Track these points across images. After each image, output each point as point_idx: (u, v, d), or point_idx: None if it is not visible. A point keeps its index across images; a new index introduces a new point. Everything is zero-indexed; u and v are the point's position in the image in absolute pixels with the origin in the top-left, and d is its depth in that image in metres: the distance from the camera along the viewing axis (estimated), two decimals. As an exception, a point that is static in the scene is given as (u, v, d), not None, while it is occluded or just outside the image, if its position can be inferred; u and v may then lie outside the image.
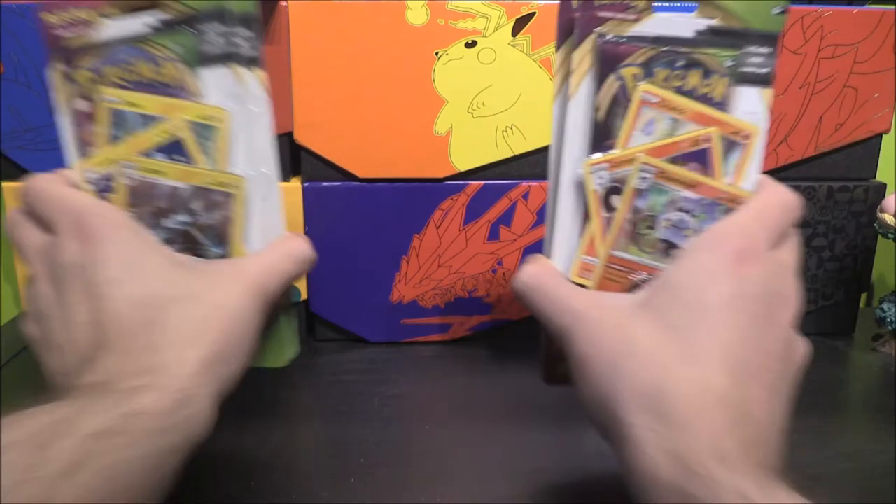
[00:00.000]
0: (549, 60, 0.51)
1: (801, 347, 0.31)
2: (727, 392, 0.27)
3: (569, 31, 0.35)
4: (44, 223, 0.33)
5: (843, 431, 0.44)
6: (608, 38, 0.34)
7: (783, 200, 0.32)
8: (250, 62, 0.36)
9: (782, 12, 0.34)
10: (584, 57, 0.34)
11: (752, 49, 0.35)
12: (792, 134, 0.54)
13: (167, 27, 0.36)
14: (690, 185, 0.34)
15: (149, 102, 0.36)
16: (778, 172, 0.55)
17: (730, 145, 0.35)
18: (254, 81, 0.36)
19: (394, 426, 0.45)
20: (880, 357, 0.55)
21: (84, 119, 0.37)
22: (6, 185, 0.52)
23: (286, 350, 0.38)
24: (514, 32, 0.50)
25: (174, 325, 0.30)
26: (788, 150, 0.54)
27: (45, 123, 0.50)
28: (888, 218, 0.51)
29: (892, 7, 0.52)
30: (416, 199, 0.53)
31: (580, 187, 0.35)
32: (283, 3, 0.49)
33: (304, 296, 0.54)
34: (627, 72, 0.34)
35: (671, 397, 0.27)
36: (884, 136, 0.55)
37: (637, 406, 0.27)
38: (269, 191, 0.36)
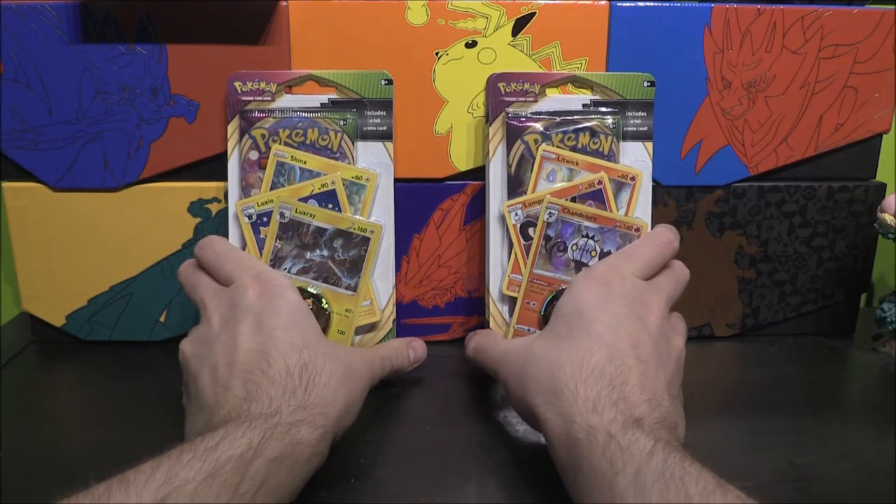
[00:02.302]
0: (550, 60, 0.51)
1: (678, 342, 0.40)
2: (603, 366, 0.36)
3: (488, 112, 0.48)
4: (217, 275, 0.42)
5: (843, 431, 0.44)
6: (513, 114, 0.47)
7: (654, 243, 0.43)
8: (387, 136, 0.48)
9: (651, 84, 0.48)
10: (497, 129, 0.48)
11: (632, 114, 0.48)
12: (792, 134, 0.54)
13: (337, 106, 0.47)
14: (591, 218, 0.45)
15: (312, 160, 0.46)
16: (778, 172, 0.55)
17: (619, 186, 0.47)
18: (389, 151, 0.48)
19: (394, 426, 0.45)
20: (880, 357, 0.55)
21: (251, 166, 0.47)
22: (6, 185, 0.52)
23: None
24: (514, 32, 0.50)
25: (321, 373, 0.37)
26: (788, 150, 0.54)
27: (45, 123, 0.50)
28: (888, 218, 0.51)
29: (892, 7, 0.52)
30: (416, 199, 0.53)
31: (503, 222, 0.47)
32: (283, 3, 0.49)
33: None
34: (530, 137, 0.47)
35: (559, 378, 0.36)
36: (884, 136, 0.55)
37: (539, 391, 0.37)
38: (390, 236, 0.47)
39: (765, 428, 0.44)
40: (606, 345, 0.37)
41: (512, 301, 0.47)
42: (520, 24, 0.50)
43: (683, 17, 0.51)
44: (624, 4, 0.50)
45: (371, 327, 0.48)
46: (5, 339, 0.56)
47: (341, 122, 0.47)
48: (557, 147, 0.47)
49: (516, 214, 0.46)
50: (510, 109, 0.47)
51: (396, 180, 0.51)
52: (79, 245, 0.53)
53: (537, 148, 0.47)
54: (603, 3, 0.50)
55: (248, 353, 0.37)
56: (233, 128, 0.47)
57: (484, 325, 0.52)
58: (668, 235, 0.43)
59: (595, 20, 0.50)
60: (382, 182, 0.47)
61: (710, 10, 0.51)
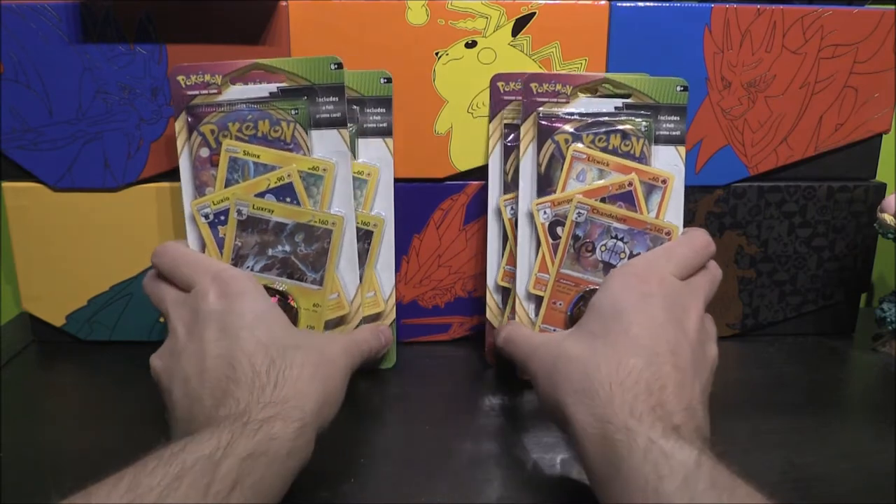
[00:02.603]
0: (550, 60, 0.51)
1: (713, 349, 0.39)
2: (640, 370, 0.35)
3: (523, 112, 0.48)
4: (177, 282, 0.41)
5: (843, 431, 0.44)
6: (544, 115, 0.47)
7: (693, 244, 0.42)
8: (342, 123, 0.46)
9: (684, 89, 0.47)
10: (528, 129, 0.48)
11: (665, 118, 0.48)
12: (792, 134, 0.54)
13: (287, 95, 0.45)
14: (620, 219, 0.45)
15: (265, 154, 0.45)
16: (778, 172, 0.55)
17: (650, 188, 0.46)
18: (345, 139, 0.46)
19: (394, 426, 0.45)
20: (880, 357, 0.55)
21: (203, 164, 0.45)
22: (6, 185, 0.52)
23: (388, 360, 0.51)
24: (514, 32, 0.50)
25: (292, 366, 0.36)
26: (788, 150, 0.54)
27: (45, 123, 0.50)
28: (888, 218, 0.51)
29: (892, 7, 0.52)
30: (416, 199, 0.53)
31: (532, 220, 0.47)
32: (283, 4, 0.49)
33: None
34: (560, 137, 0.47)
35: (594, 378, 0.35)
36: (884, 136, 0.55)
37: (570, 391, 0.35)
38: (352, 227, 0.46)
39: (765, 428, 0.44)
40: (644, 349, 0.36)
41: (538, 300, 0.47)
42: (520, 24, 0.50)
43: (683, 17, 0.51)
44: (624, 4, 0.50)
45: (340, 320, 0.47)
46: (5, 339, 0.56)
47: (293, 112, 0.45)
48: (588, 148, 0.47)
49: (545, 213, 0.46)
50: (542, 109, 0.47)
51: (396, 180, 0.51)
52: (79, 245, 0.53)
53: (567, 148, 0.47)
54: (603, 3, 0.50)
55: (215, 360, 0.36)
56: (180, 125, 0.45)
57: (484, 324, 0.52)
58: (704, 238, 0.42)
59: (595, 20, 0.50)
60: (340, 171, 0.46)
61: (710, 10, 0.51)
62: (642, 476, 0.30)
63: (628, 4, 0.50)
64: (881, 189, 0.56)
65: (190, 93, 0.45)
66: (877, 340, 0.57)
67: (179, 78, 0.44)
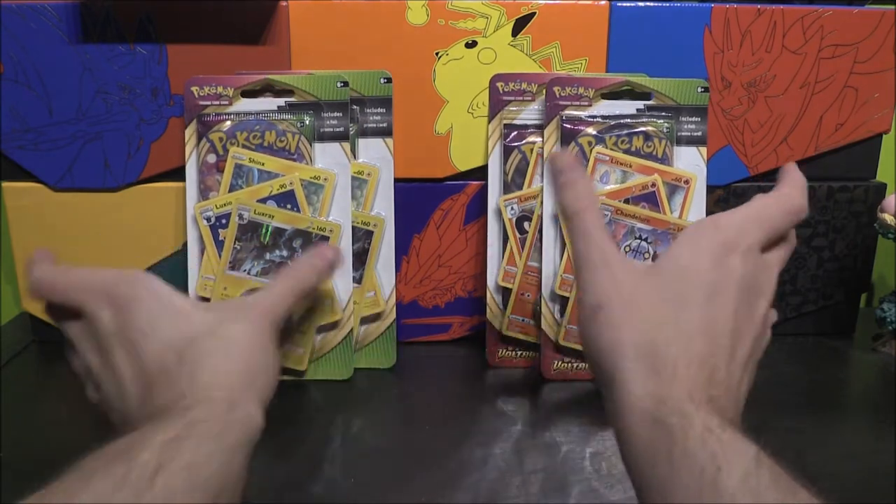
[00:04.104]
0: (550, 60, 0.51)
1: (765, 342, 0.36)
2: (704, 356, 0.32)
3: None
4: (71, 309, 0.37)
5: (843, 431, 0.44)
6: (567, 118, 0.48)
7: (787, 207, 0.37)
8: (344, 137, 0.48)
9: (705, 90, 0.48)
10: (552, 132, 0.48)
11: (686, 119, 0.48)
12: (792, 134, 0.54)
13: (293, 108, 0.47)
14: (644, 220, 0.46)
15: (270, 162, 0.47)
16: (778, 172, 0.55)
17: (673, 189, 0.47)
18: (346, 152, 0.48)
19: (394, 426, 0.45)
20: (880, 357, 0.55)
21: (209, 169, 0.47)
22: (6, 185, 0.52)
23: (388, 360, 0.51)
24: (514, 32, 0.50)
25: (202, 354, 0.35)
26: (788, 150, 0.54)
27: (45, 123, 0.50)
28: (888, 218, 0.51)
29: (892, 7, 0.52)
30: (416, 199, 0.53)
31: (556, 222, 0.48)
32: (283, 4, 0.49)
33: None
34: (584, 140, 0.48)
35: (661, 353, 0.32)
36: (884, 136, 0.55)
37: (632, 355, 0.32)
38: (347, 235, 0.47)
39: (765, 428, 0.44)
40: (713, 335, 0.33)
41: (563, 301, 0.48)
42: (520, 24, 0.50)
43: (683, 17, 0.51)
44: (624, 4, 0.50)
45: (333, 325, 0.48)
46: (5, 339, 0.56)
47: (299, 125, 0.47)
48: (611, 150, 0.47)
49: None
50: (566, 112, 0.48)
51: (396, 180, 0.51)
52: (79, 245, 0.53)
53: (591, 150, 0.47)
54: (603, 3, 0.50)
55: (131, 381, 0.35)
56: (190, 132, 0.47)
57: (484, 324, 0.52)
58: (800, 201, 0.37)
59: (595, 20, 0.50)
60: (340, 181, 0.48)
61: (710, 10, 0.51)
62: (698, 464, 0.29)
63: (628, 4, 0.50)
64: (881, 189, 0.56)
65: (202, 103, 0.47)
66: (877, 340, 0.57)
67: (193, 89, 0.47)
